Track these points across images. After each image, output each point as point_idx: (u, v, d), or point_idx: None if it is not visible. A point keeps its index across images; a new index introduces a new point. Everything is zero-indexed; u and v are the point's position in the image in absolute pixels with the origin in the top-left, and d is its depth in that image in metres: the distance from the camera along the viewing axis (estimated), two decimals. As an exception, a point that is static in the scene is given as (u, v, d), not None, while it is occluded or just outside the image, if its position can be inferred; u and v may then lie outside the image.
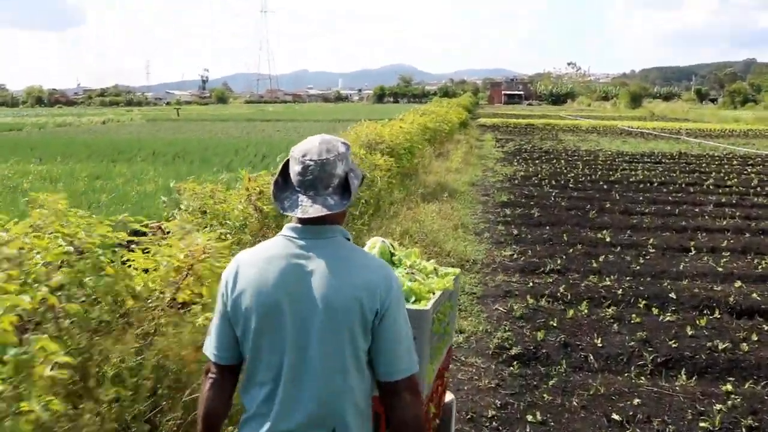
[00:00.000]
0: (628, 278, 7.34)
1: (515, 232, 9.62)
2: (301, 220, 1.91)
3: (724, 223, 10.57)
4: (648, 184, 14.91)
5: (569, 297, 6.65)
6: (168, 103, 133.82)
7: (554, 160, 19.84)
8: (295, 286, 1.85)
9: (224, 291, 1.93)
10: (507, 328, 5.83)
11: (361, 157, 9.46)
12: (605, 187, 14.41)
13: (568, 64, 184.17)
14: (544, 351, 5.36)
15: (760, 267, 7.93)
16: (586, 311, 6.26)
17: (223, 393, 1.98)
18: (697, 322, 5.96)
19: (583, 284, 7.09)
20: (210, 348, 1.97)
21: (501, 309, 6.34)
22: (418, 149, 13.55)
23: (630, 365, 5.14)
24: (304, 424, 1.84)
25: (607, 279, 7.27)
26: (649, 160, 20.62)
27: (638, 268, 7.76)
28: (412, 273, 2.86)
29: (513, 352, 5.34)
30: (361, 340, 1.86)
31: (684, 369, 5.04)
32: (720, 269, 7.76)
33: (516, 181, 15.07)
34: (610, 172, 17.08)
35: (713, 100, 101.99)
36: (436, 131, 17.88)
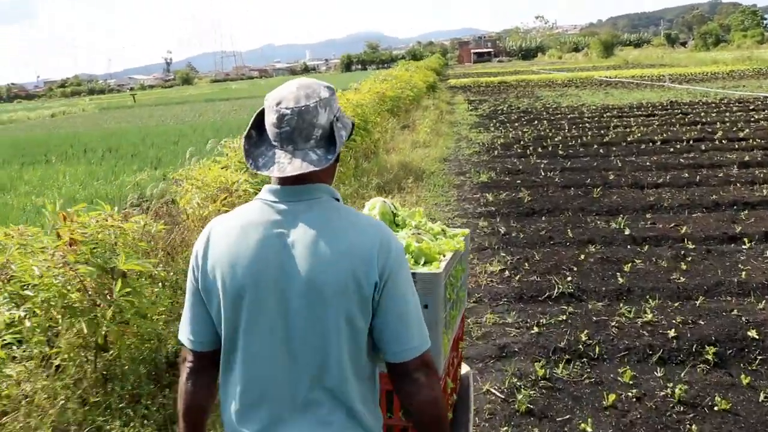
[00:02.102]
0: (675, 304, 4.99)
1: (502, 229, 7.25)
2: (281, 180, 1.61)
3: (765, 191, 8.29)
4: (650, 144, 12.61)
5: (597, 351, 4.31)
6: (131, 89, 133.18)
7: (535, 121, 17.47)
8: (275, 260, 1.55)
9: (194, 265, 1.65)
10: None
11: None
12: (601, 151, 12.08)
13: (536, 17, 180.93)
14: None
15: None
16: (628, 378, 3.94)
17: (203, 383, 1.72)
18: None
19: (612, 322, 4.74)
20: (184, 333, 1.70)
21: (495, 394, 3.97)
22: (375, 124, 11.10)
23: None
24: None
25: (645, 308, 4.92)
26: (639, 112, 18.36)
27: (682, 280, 5.44)
28: (419, 233, 2.51)
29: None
30: (359, 319, 1.56)
31: None
32: (796, 270, 5.49)
33: (496, 152, 12.67)
34: (602, 131, 14.77)
35: (683, 44, 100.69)
36: (398, 99, 15.38)
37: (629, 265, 5.82)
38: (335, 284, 1.52)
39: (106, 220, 3.68)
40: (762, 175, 9.28)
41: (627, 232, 6.83)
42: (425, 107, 20.83)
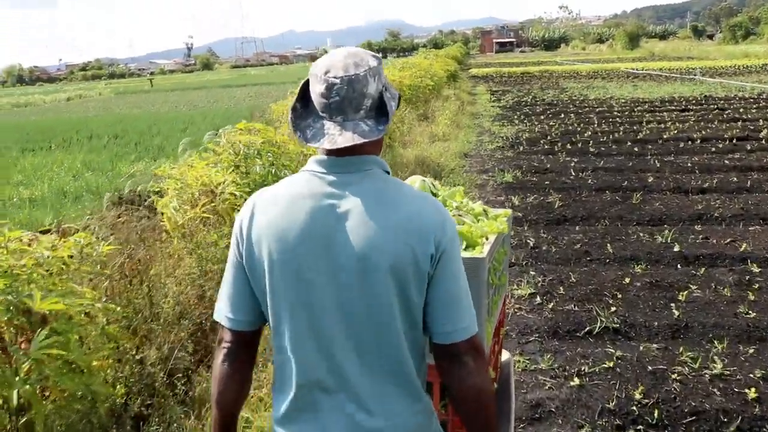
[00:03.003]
0: (748, 350, 4.04)
1: (531, 240, 6.33)
2: (328, 152, 1.53)
3: (834, 201, 7.30)
4: (688, 142, 11.59)
5: (656, 416, 3.38)
6: (152, 73, 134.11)
7: (562, 115, 16.46)
8: (326, 232, 1.48)
9: (238, 237, 1.57)
10: None
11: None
12: (636, 149, 11.08)
13: (560, 7, 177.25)
14: None
15: None
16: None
17: (240, 367, 1.62)
18: None
19: (673, 373, 3.80)
20: (222, 311, 1.61)
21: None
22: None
23: None
24: None
25: (711, 354, 4.00)
26: (673, 107, 17.27)
27: (752, 315, 4.50)
28: (460, 215, 2.39)
29: None
30: (415, 294, 1.50)
31: None
32: None
33: (521, 148, 11.71)
34: (634, 127, 13.74)
35: (711, 36, 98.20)
36: (417, 88, 14.44)
37: (684, 293, 4.88)
38: (391, 258, 1.46)
39: (29, 245, 2.83)
40: (822, 182, 8.28)
41: (676, 248, 5.89)
42: (446, 97, 19.85)
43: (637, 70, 35.14)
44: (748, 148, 10.82)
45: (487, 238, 2.30)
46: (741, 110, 15.93)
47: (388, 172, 1.58)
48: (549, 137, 12.71)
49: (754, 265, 5.45)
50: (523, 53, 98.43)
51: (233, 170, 5.34)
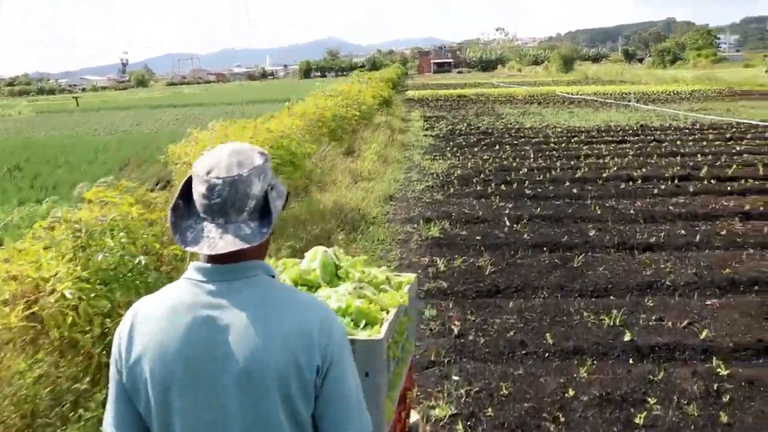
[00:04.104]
0: None
1: (456, 326, 5.24)
2: (210, 258, 1.50)
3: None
4: (629, 182, 10.85)
5: None
6: (83, 90, 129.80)
7: (497, 146, 15.65)
8: (207, 346, 1.44)
9: (117, 356, 1.52)
10: None
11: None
12: (575, 191, 10.25)
13: (497, 29, 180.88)
14: None
15: None
16: None
17: None
18: None
19: None
20: (108, 427, 1.55)
21: None
22: (305, 156, 9.05)
23: None
24: None
25: None
26: (610, 137, 16.74)
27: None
28: (361, 287, 2.40)
29: None
30: (301, 406, 1.47)
31: None
32: None
33: (452, 189, 10.73)
34: (572, 162, 13.01)
35: (640, 60, 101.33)
36: (342, 120, 13.35)
37: (642, 414, 3.87)
38: (274, 371, 1.41)
39: None
40: (775, 235, 7.54)
41: (627, 336, 4.91)
42: (377, 125, 18.84)
43: (572, 94, 35.09)
44: (691, 189, 10.12)
45: (387, 312, 2.29)
46: (678, 142, 15.49)
47: (274, 276, 1.54)
48: (482, 175, 11.80)
49: (720, 362, 4.51)
50: (461, 74, 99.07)
51: (71, 258, 4.08)
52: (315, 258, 2.57)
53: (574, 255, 6.90)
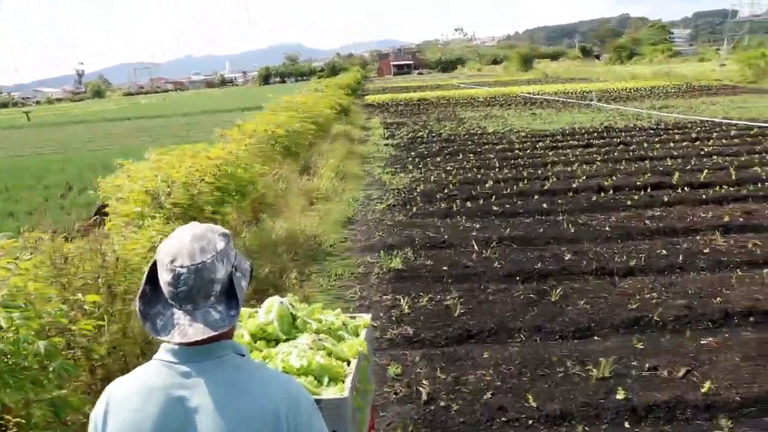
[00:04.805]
0: None
1: (424, 389, 4.52)
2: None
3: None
4: (600, 193, 10.32)
5: None
6: (38, 102, 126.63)
7: (460, 155, 15.07)
8: (178, 427, 1.47)
9: None
10: None
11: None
12: (545, 206, 9.67)
13: (455, 29, 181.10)
14: None
15: None
16: None
17: None
18: None
19: None
20: None
21: None
22: (254, 180, 8.28)
23: None
24: None
25: None
26: (575, 141, 16.33)
27: None
28: (320, 340, 2.40)
29: None
30: None
31: None
32: None
33: (414, 208, 10.05)
34: (539, 171, 12.49)
35: (597, 56, 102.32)
36: (297, 135, 12.60)
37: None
38: None
39: None
40: (760, 251, 7.02)
41: (620, 394, 4.27)
42: (335, 136, 18.10)
43: (533, 94, 34.84)
44: (665, 199, 9.63)
45: (348, 363, 2.34)
46: (645, 144, 15.14)
47: (243, 355, 1.56)
48: (446, 190, 11.17)
49: (728, 422, 3.90)
50: (421, 75, 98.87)
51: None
52: (271, 310, 2.57)
53: (550, 286, 6.26)
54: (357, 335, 2.67)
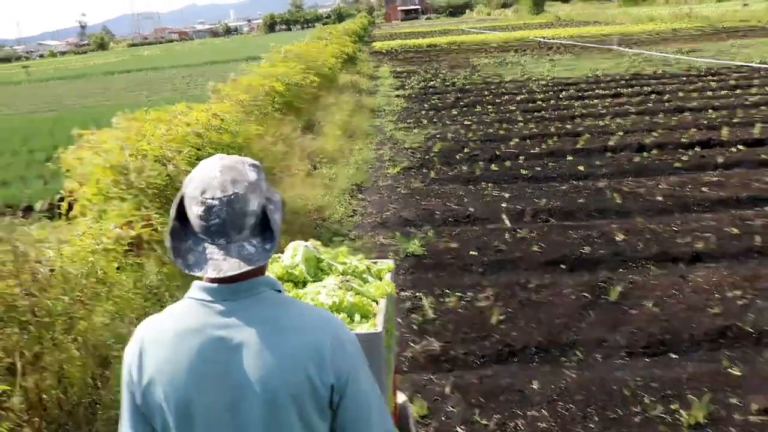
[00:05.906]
0: None
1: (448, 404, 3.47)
2: (215, 278, 1.42)
3: None
4: (642, 153, 9.07)
5: None
6: (41, 56, 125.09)
7: (477, 107, 13.77)
8: (221, 367, 1.39)
9: (129, 380, 1.46)
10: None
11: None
12: (581, 168, 8.43)
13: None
14: None
15: None
16: None
17: None
18: None
19: None
20: None
21: None
22: (251, 139, 7.11)
23: None
24: None
25: None
26: (602, 91, 14.93)
27: None
28: (347, 281, 2.36)
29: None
30: (318, 422, 1.43)
31: None
32: None
33: (432, 172, 8.82)
34: (567, 126, 11.21)
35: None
36: (299, 88, 11.32)
37: None
38: (289, 389, 1.38)
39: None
40: None
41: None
42: (341, 88, 16.76)
43: (548, 38, 33.06)
44: (720, 160, 8.37)
45: (376, 302, 2.33)
46: (680, 94, 13.72)
47: (280, 291, 1.50)
48: (466, 149, 9.92)
49: None
50: (429, 20, 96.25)
51: None
52: (297, 253, 2.50)
53: (605, 279, 5.10)
54: (380, 279, 2.57)
